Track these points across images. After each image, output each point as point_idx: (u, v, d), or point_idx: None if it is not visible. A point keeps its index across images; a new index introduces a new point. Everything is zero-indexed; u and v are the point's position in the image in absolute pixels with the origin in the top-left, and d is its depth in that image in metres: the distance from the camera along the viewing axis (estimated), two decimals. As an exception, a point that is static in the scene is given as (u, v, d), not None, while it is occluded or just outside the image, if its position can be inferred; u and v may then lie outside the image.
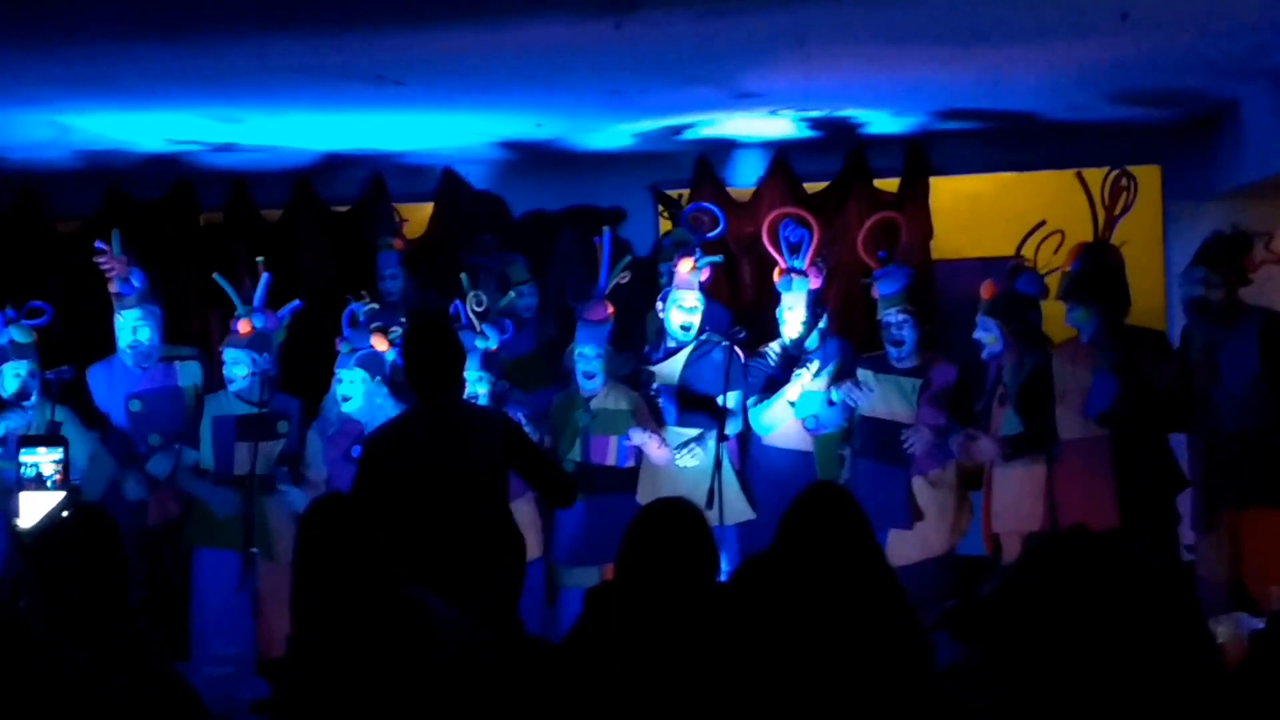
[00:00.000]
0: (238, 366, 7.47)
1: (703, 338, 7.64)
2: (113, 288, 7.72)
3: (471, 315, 7.37)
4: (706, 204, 8.39)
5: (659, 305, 7.66)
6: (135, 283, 7.66)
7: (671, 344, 7.64)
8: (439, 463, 5.83)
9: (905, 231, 8.26)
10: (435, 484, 5.78)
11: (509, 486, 6.03)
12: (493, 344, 7.34)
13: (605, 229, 7.76)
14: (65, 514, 6.68)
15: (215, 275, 7.71)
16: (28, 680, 3.68)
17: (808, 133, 8.64)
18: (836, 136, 8.73)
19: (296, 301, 7.73)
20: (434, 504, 5.76)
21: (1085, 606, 2.94)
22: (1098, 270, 7.13)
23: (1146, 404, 6.98)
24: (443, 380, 5.97)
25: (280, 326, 7.65)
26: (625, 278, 7.66)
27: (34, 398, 7.49)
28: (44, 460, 6.93)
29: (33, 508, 6.77)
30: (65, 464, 6.98)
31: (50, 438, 7.14)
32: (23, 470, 6.91)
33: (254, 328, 7.50)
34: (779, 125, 8.40)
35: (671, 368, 7.59)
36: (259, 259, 7.73)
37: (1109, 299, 7.11)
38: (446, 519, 5.74)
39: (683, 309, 7.58)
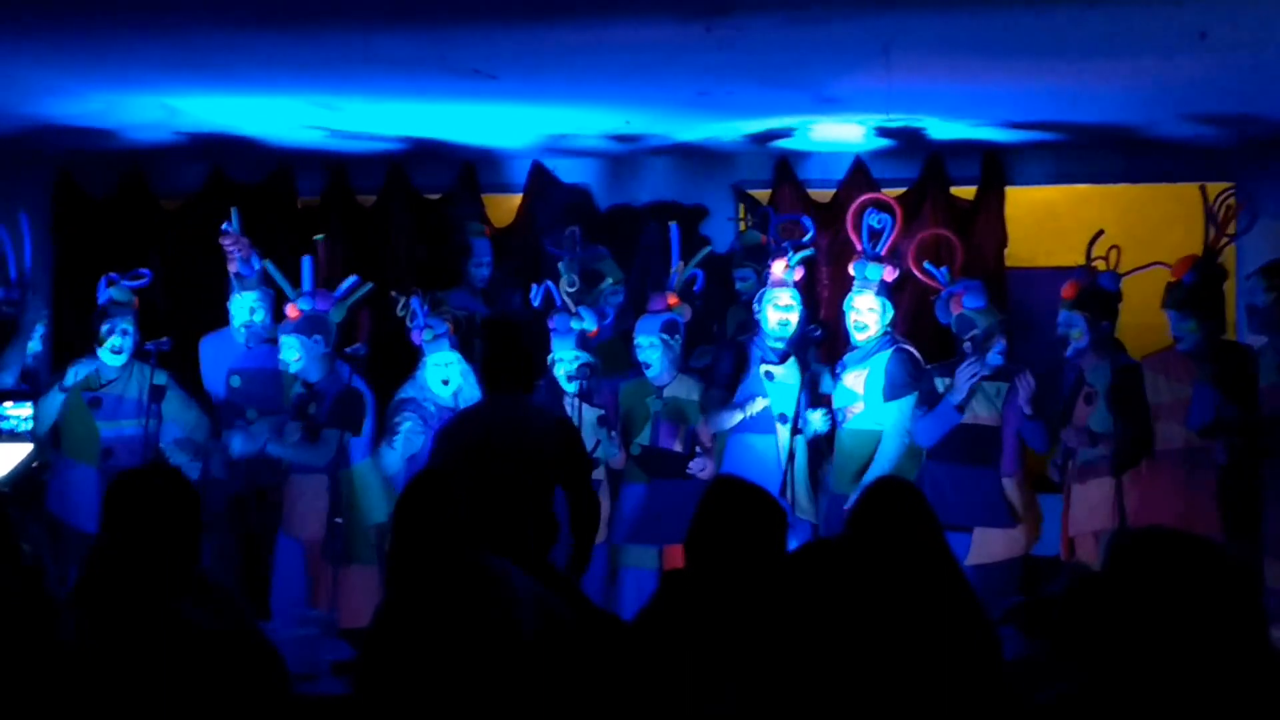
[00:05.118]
0: (289, 351, 7.55)
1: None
2: (233, 268, 7.88)
3: (565, 296, 7.52)
4: (800, 216, 8.41)
5: (755, 306, 7.70)
6: (255, 265, 7.80)
7: (778, 345, 7.67)
8: (495, 454, 6.02)
9: (979, 240, 8.41)
10: (487, 473, 5.93)
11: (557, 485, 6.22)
12: (589, 325, 7.49)
13: (672, 224, 7.87)
14: (35, 465, 6.91)
15: (266, 262, 7.77)
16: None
17: (886, 141, 8.75)
18: (914, 144, 8.84)
19: (353, 278, 7.78)
20: (483, 492, 5.91)
21: (1168, 605, 2.98)
22: (1210, 284, 7.22)
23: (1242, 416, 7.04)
24: (512, 379, 6.19)
25: (335, 305, 7.68)
26: (691, 276, 7.81)
27: (124, 356, 7.65)
28: (15, 414, 7.02)
29: (1, 459, 6.90)
30: (36, 419, 7.10)
31: (18, 392, 7.24)
32: (2, 424, 7.02)
33: (301, 311, 7.55)
34: (859, 130, 8.50)
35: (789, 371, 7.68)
36: (317, 237, 7.85)
37: (1216, 313, 7.22)
38: (491, 508, 5.87)
39: (779, 308, 7.63)
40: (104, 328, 7.66)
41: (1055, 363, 7.61)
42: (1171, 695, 2.96)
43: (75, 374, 7.64)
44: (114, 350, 7.65)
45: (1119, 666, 3.03)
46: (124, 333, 7.67)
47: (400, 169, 9.51)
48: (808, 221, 8.28)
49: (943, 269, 7.72)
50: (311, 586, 7.44)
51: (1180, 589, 2.99)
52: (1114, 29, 6.21)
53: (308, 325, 7.53)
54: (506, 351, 6.30)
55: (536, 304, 7.60)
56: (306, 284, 7.64)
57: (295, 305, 7.57)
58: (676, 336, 7.63)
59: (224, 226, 7.92)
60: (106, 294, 7.72)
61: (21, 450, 6.92)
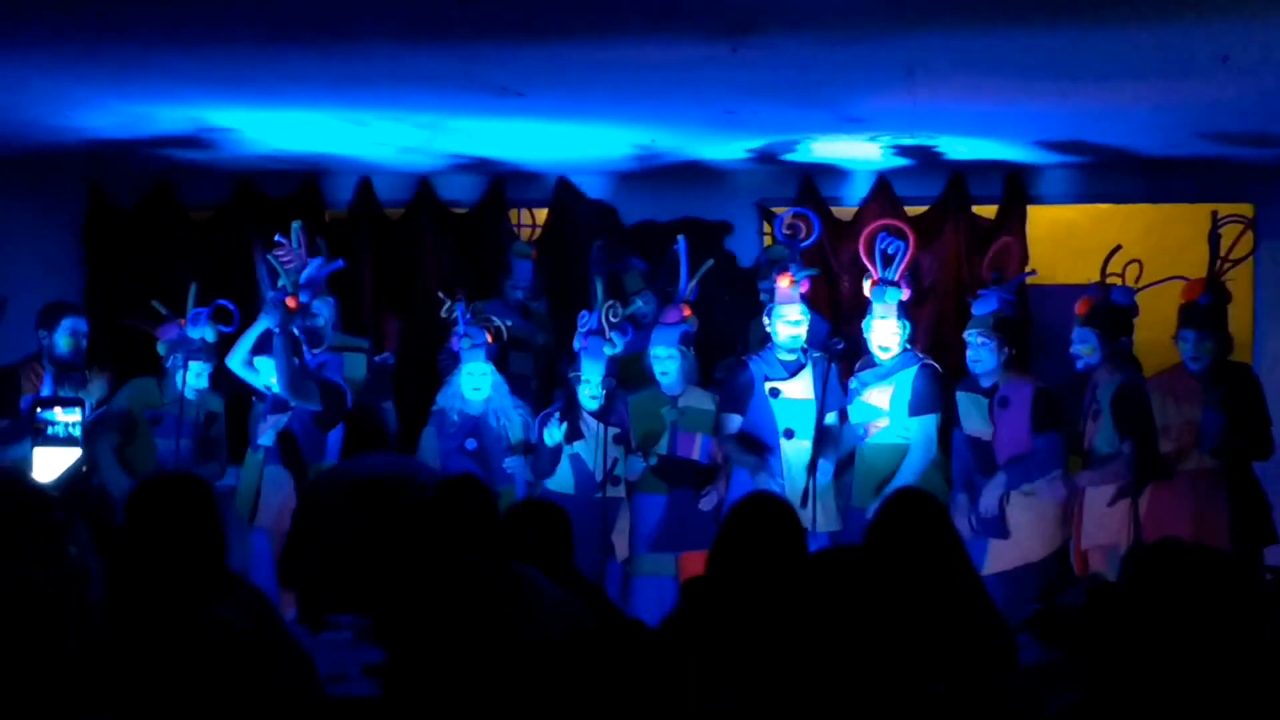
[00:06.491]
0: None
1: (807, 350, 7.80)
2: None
3: (605, 323, 7.62)
4: (803, 209, 8.51)
5: (765, 320, 7.78)
6: (313, 274, 7.92)
7: (789, 357, 7.73)
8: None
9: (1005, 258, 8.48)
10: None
11: None
12: (619, 350, 7.61)
13: (680, 237, 7.96)
14: (84, 469, 7.01)
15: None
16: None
17: (909, 160, 8.81)
18: (936, 162, 8.89)
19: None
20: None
21: (1185, 617, 3.01)
22: (1222, 305, 7.28)
23: (1242, 433, 7.11)
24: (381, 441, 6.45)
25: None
26: (694, 294, 7.90)
27: (200, 394, 7.88)
28: (65, 420, 7.07)
29: (50, 464, 6.96)
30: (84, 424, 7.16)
31: (66, 399, 7.32)
32: (51, 429, 7.04)
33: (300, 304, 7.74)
34: (880, 149, 8.55)
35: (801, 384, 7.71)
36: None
37: (1227, 334, 7.27)
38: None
39: (788, 323, 7.70)
40: (194, 366, 7.83)
41: (1076, 379, 7.63)
42: (1186, 706, 2.99)
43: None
44: (196, 390, 7.85)
45: (1135, 676, 3.06)
46: (201, 374, 7.87)
47: (428, 183, 9.59)
48: (813, 215, 8.36)
49: (994, 275, 7.91)
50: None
51: (1197, 601, 3.03)
52: (1137, 51, 6.26)
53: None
54: (379, 424, 6.62)
55: (585, 329, 7.66)
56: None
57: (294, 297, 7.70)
58: (690, 348, 7.72)
59: (277, 237, 7.96)
60: (200, 330, 7.88)
61: (70, 455, 7.01)
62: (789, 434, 7.61)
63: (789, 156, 8.81)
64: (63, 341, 7.74)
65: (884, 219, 8.42)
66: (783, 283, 7.75)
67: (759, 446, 7.67)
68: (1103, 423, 7.32)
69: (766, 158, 8.87)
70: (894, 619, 4.17)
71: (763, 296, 8.46)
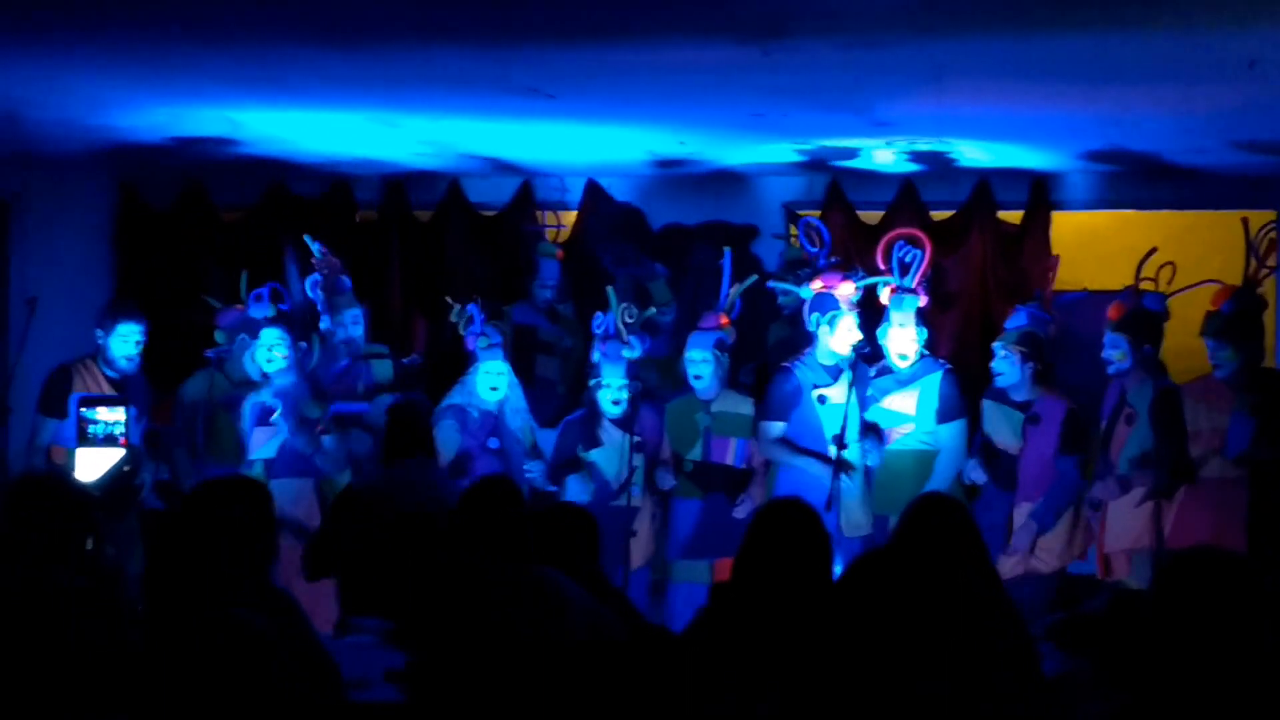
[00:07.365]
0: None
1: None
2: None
3: (620, 326, 7.69)
4: (814, 220, 8.57)
5: (827, 327, 7.73)
6: (347, 283, 8.08)
7: (831, 362, 7.73)
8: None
9: (1025, 265, 8.51)
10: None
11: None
12: (637, 353, 7.68)
13: (727, 250, 8.03)
14: (126, 469, 7.07)
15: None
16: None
17: (932, 165, 8.83)
18: (963, 168, 8.91)
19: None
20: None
21: (1215, 625, 3.02)
22: (1250, 313, 7.28)
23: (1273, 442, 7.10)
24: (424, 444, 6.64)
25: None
26: (735, 309, 7.96)
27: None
28: (108, 419, 7.12)
29: (92, 464, 7.00)
30: (127, 424, 7.21)
31: (111, 398, 7.36)
32: (90, 429, 7.09)
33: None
34: (906, 154, 8.58)
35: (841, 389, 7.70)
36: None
37: (1255, 342, 7.28)
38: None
39: (848, 330, 7.68)
40: (264, 344, 7.90)
41: (1097, 384, 7.64)
42: (1215, 716, 3.00)
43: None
44: (268, 361, 7.91)
45: (1164, 685, 3.07)
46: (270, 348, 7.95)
47: (458, 185, 9.64)
48: (822, 228, 8.41)
49: (1037, 292, 8.05)
50: None
51: (1227, 610, 3.04)
52: (1163, 57, 6.28)
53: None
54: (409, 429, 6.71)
55: (599, 331, 7.72)
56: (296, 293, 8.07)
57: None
58: (725, 354, 7.76)
59: (315, 246, 8.19)
60: (263, 310, 7.97)
61: (113, 455, 7.06)
62: (836, 440, 7.59)
63: (818, 159, 8.84)
64: (115, 344, 7.78)
65: (904, 225, 8.45)
66: (844, 290, 7.75)
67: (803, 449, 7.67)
68: (1139, 427, 7.34)
69: (795, 160, 8.89)
70: (916, 623, 4.23)
71: (780, 300, 8.49)
